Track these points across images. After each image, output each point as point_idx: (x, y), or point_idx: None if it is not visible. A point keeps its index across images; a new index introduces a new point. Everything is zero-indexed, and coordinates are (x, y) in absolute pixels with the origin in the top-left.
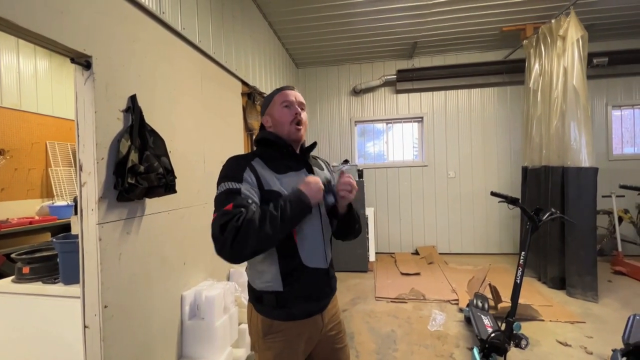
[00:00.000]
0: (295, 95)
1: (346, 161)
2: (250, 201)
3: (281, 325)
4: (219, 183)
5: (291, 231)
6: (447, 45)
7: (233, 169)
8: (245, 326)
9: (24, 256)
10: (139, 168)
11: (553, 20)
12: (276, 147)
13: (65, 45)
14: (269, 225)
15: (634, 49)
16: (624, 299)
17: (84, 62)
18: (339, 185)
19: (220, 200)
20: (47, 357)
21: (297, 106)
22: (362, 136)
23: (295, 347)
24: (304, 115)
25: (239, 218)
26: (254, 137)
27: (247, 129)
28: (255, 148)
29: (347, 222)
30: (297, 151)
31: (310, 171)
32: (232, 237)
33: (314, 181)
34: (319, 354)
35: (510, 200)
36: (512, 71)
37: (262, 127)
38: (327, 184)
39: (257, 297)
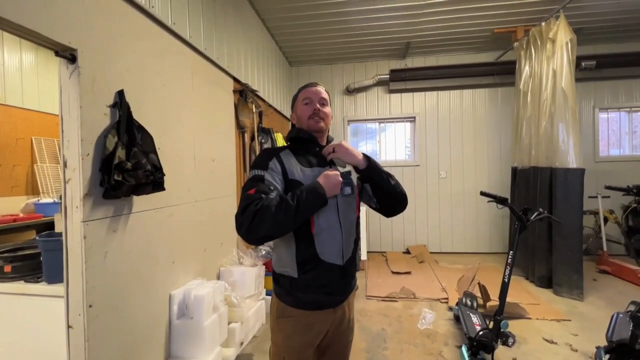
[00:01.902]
0: (317, 91)
1: None
2: (272, 188)
3: (293, 312)
4: (250, 170)
5: (309, 223)
6: (440, 46)
7: (262, 158)
8: (234, 325)
9: (6, 254)
10: (126, 165)
11: (543, 23)
12: (306, 143)
13: (49, 37)
14: (284, 213)
15: (620, 52)
16: (608, 298)
17: (68, 55)
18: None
19: (247, 185)
20: (29, 358)
21: (316, 102)
22: (355, 136)
23: (304, 334)
24: (325, 109)
25: (257, 203)
26: (245, 134)
27: (239, 126)
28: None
29: (374, 178)
30: (324, 144)
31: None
32: (250, 220)
33: (333, 174)
34: (327, 345)
35: (499, 200)
36: (503, 73)
37: (292, 124)
38: (346, 175)
39: (275, 279)
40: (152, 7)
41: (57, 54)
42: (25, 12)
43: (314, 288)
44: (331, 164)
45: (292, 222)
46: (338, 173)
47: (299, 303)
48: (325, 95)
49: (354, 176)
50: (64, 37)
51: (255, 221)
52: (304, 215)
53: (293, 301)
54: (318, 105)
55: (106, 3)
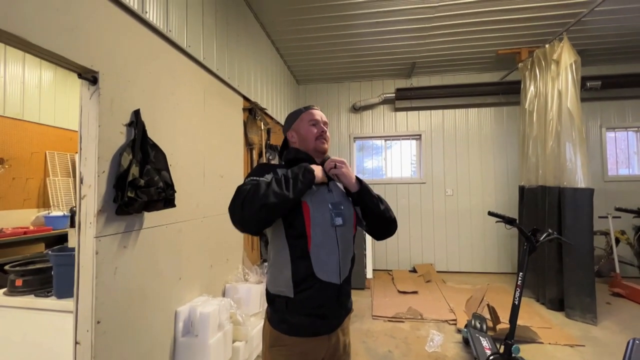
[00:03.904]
0: (321, 115)
1: None
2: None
3: (287, 340)
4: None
5: (306, 239)
6: (445, 66)
7: (258, 169)
8: (238, 344)
9: (17, 268)
10: (139, 182)
11: (547, 45)
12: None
13: (74, 61)
14: (275, 184)
15: (625, 73)
16: (623, 322)
17: (90, 77)
18: (327, 170)
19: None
20: None
21: (322, 124)
22: (361, 151)
23: None
24: (328, 133)
25: (249, 187)
26: (253, 151)
27: (248, 143)
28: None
29: (364, 201)
30: (319, 162)
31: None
32: (243, 199)
33: (318, 167)
34: None
35: (508, 221)
36: (508, 92)
37: (285, 141)
38: (336, 205)
39: (270, 300)
40: (170, 31)
41: (79, 76)
42: (53, 38)
43: (309, 309)
44: (329, 181)
45: (285, 189)
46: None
47: (293, 330)
48: (326, 119)
49: (346, 206)
50: (87, 60)
51: (248, 197)
52: (296, 184)
53: (287, 329)
54: (324, 128)
55: (127, 28)
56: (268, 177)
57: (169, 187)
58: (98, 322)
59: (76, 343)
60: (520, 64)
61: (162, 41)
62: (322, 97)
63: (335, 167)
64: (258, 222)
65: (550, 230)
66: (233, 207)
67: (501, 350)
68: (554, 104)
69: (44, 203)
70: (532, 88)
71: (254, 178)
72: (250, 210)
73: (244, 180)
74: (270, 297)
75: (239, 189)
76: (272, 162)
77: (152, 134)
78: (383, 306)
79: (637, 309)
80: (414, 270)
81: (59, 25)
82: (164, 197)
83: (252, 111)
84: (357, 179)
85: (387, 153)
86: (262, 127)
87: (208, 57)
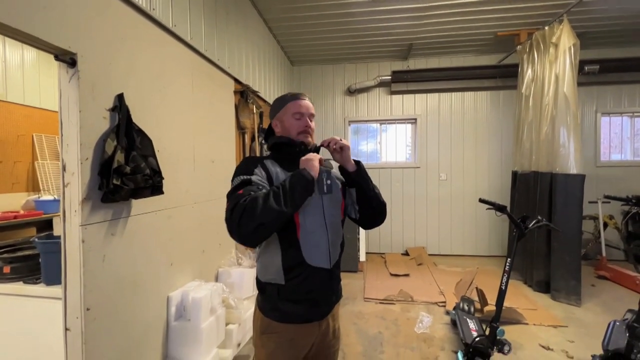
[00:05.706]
0: (307, 106)
1: None
2: (260, 187)
3: (277, 327)
4: (232, 180)
5: (294, 226)
6: (442, 48)
7: (245, 165)
8: (231, 327)
9: (5, 255)
10: (124, 169)
11: (546, 27)
12: (289, 149)
13: (49, 42)
14: (273, 199)
15: (624, 57)
16: (605, 304)
17: (68, 59)
18: (331, 148)
19: (233, 191)
20: (27, 359)
21: (307, 118)
22: (356, 134)
23: (288, 350)
24: (312, 125)
25: (246, 199)
26: (245, 135)
27: (239, 127)
28: (269, 152)
29: (360, 183)
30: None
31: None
32: (240, 214)
33: (309, 157)
34: (313, 356)
35: (498, 208)
36: (505, 76)
37: (269, 129)
38: (327, 173)
39: (261, 288)
40: (153, 9)
41: (56, 58)
42: (23, 17)
43: (301, 294)
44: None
45: (282, 206)
46: (313, 155)
47: (284, 317)
48: (313, 110)
49: (335, 179)
50: (63, 41)
51: (245, 214)
52: (293, 197)
53: (278, 316)
54: (309, 121)
55: (107, 6)
56: (257, 172)
57: (156, 173)
58: (88, 309)
59: (66, 329)
60: (518, 47)
61: (146, 20)
62: (316, 79)
63: (340, 140)
64: (255, 239)
65: (539, 217)
66: (230, 222)
67: (487, 333)
68: (550, 88)
69: (34, 187)
70: (529, 72)
71: (244, 177)
72: (246, 228)
73: (232, 179)
74: (261, 285)
75: (237, 202)
76: (265, 146)
77: (137, 118)
78: (375, 289)
79: (620, 291)
80: (406, 254)
81: (31, 3)
82: (151, 184)
83: (244, 94)
84: (355, 160)
85: (382, 137)
86: (255, 111)
87: (196, 37)
